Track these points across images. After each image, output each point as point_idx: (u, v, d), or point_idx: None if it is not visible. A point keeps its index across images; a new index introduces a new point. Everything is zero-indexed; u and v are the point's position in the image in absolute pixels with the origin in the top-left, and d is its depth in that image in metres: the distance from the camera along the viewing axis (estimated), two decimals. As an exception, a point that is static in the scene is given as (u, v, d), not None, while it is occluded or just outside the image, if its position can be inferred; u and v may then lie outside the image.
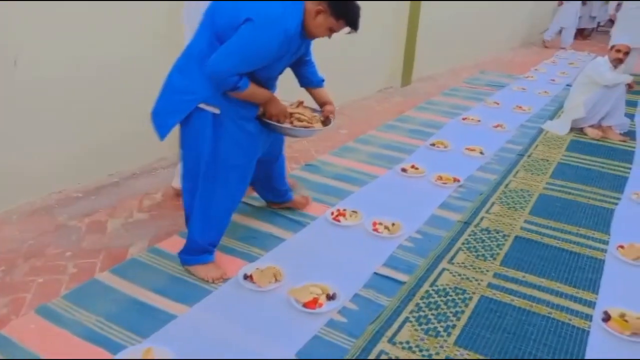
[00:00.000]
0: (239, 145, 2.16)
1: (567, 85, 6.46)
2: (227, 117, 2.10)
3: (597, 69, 4.33)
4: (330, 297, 2.12)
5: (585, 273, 2.45)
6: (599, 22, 11.81)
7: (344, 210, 2.85)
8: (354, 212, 2.84)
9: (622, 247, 2.64)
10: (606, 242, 2.72)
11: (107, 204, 2.90)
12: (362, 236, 2.65)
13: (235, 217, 2.77)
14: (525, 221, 2.92)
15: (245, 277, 2.23)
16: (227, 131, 2.11)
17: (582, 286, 2.34)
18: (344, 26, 2.03)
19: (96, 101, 3.01)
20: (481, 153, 3.90)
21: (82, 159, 3.03)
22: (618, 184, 3.50)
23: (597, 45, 10.26)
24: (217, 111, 2.08)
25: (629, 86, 4.38)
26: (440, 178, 3.40)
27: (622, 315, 2.09)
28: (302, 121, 2.35)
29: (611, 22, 11.50)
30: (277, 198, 2.84)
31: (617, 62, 4.33)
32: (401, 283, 2.29)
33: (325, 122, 2.45)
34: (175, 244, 2.49)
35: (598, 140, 4.37)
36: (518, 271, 2.43)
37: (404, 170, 3.51)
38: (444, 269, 2.42)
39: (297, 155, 3.73)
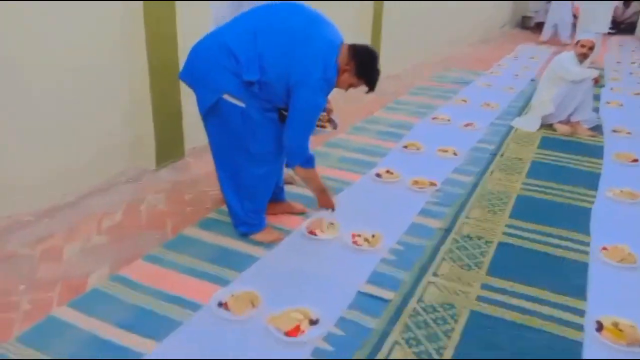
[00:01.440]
0: (269, 133, 2.35)
1: (531, 79, 6.51)
2: (253, 109, 2.26)
3: (563, 65, 4.33)
4: (313, 322, 1.97)
5: (572, 279, 2.38)
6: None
7: (321, 220, 2.71)
8: (331, 224, 2.69)
9: (605, 249, 2.59)
10: (588, 244, 2.67)
11: (63, 227, 2.66)
12: (341, 250, 2.51)
13: (204, 235, 2.60)
14: (506, 225, 2.85)
15: (220, 304, 2.05)
16: (255, 122, 2.29)
17: (571, 293, 2.27)
18: (363, 85, 2.32)
19: (46, 113, 2.76)
20: (454, 154, 3.83)
21: (32, 179, 2.77)
22: (592, 180, 3.48)
23: (555, 39, 10.42)
24: (242, 104, 2.24)
25: (595, 80, 4.39)
26: (417, 182, 3.29)
27: (615, 324, 2.02)
28: (319, 120, 2.53)
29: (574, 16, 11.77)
30: (272, 196, 2.71)
31: (582, 57, 4.34)
32: (387, 301, 2.16)
33: (330, 121, 2.66)
34: (139, 269, 2.29)
35: (568, 136, 4.37)
36: (505, 280, 2.34)
37: (378, 175, 3.39)
38: (429, 283, 2.30)
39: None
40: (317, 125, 2.52)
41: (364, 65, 2.27)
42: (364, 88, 2.37)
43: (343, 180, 3.30)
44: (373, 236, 2.60)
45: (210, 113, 2.32)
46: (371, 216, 2.86)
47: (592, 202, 3.15)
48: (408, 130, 4.40)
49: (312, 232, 2.61)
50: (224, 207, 2.83)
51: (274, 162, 2.49)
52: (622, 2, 11.09)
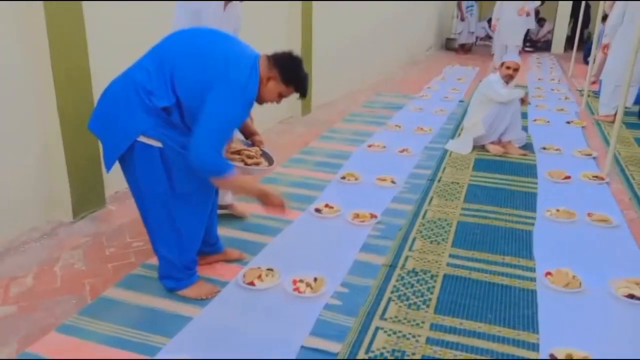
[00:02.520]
0: (189, 171, 2.11)
1: (460, 101, 6.66)
2: (170, 150, 2.09)
3: (491, 87, 4.41)
4: (254, 390, 1.78)
5: (521, 309, 2.33)
6: (477, 37, 12.57)
7: (259, 268, 2.53)
8: (270, 270, 2.52)
9: (549, 273, 2.56)
10: (533, 269, 2.64)
11: (-39, 299, 2.33)
12: (282, 300, 2.33)
13: (128, 296, 2.34)
14: (450, 255, 2.78)
15: (146, 379, 1.82)
16: (173, 161, 2.11)
17: (522, 326, 2.21)
18: (292, 92, 2.16)
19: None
20: (392, 182, 3.77)
21: None
22: (529, 201, 3.51)
23: (479, 59, 10.86)
24: (159, 144, 2.07)
25: (522, 100, 4.50)
26: (357, 216, 3.18)
27: (569, 356, 1.97)
28: (251, 158, 2.31)
29: (489, 37, 12.35)
30: (207, 248, 2.56)
31: (508, 78, 4.44)
32: (334, 355, 2.00)
33: (264, 155, 2.44)
34: (52, 343, 2.01)
35: (500, 156, 4.43)
36: (454, 318, 2.25)
37: (317, 210, 3.26)
38: (377, 328, 2.17)
39: (197, 207, 3.33)
40: (250, 164, 2.30)
41: (289, 71, 2.11)
42: (294, 96, 2.20)
43: (281, 220, 3.13)
44: (315, 280, 2.45)
45: (125, 161, 2.13)
46: (313, 257, 2.71)
47: (532, 224, 3.15)
48: (345, 159, 4.32)
49: (250, 283, 2.41)
50: (151, 261, 2.62)
51: (201, 204, 2.28)
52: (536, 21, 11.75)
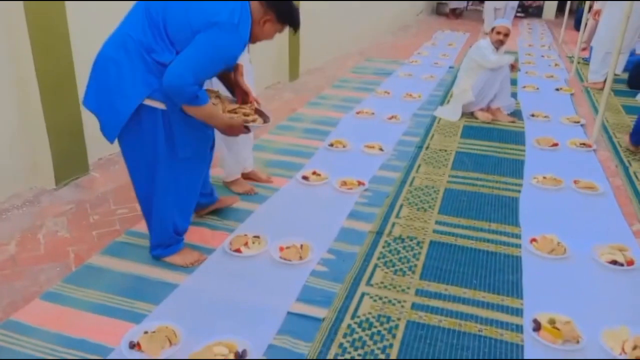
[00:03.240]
0: (192, 136, 2.16)
1: (450, 67, 6.59)
2: (174, 112, 2.07)
3: (481, 53, 4.36)
4: (240, 355, 1.79)
5: (506, 275, 2.35)
6: (468, 1, 12.39)
7: (245, 235, 2.52)
8: (256, 237, 2.51)
9: (535, 240, 2.58)
10: (519, 236, 2.66)
11: (-58, 267, 2.30)
12: (268, 267, 2.33)
13: (113, 263, 2.33)
14: (437, 222, 2.79)
15: (132, 345, 1.82)
16: (177, 125, 2.10)
17: (506, 291, 2.23)
18: (286, 28, 2.19)
19: None
20: (380, 149, 3.75)
21: None
22: (516, 168, 3.51)
23: (470, 24, 10.74)
24: (163, 106, 2.05)
25: (512, 66, 4.46)
26: (345, 183, 3.17)
27: (552, 322, 1.99)
28: (247, 115, 2.27)
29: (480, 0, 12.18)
30: (203, 199, 2.60)
31: (498, 44, 4.38)
32: (320, 320, 2.01)
33: (260, 113, 2.37)
34: (37, 311, 2.00)
35: (489, 123, 4.42)
36: (440, 283, 2.27)
37: (305, 178, 3.24)
38: (363, 294, 2.18)
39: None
40: (247, 121, 2.24)
41: (284, 12, 2.15)
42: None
43: (269, 187, 3.12)
44: (302, 247, 2.45)
45: (127, 129, 2.06)
46: (299, 224, 2.70)
47: (519, 191, 3.16)
48: (333, 126, 4.28)
49: (236, 250, 2.41)
50: (136, 228, 2.60)
51: (199, 166, 2.31)
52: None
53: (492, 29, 4.43)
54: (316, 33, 6.12)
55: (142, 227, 2.60)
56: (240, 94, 2.37)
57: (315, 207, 2.92)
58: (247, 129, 2.25)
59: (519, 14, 11.75)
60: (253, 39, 2.16)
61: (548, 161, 3.62)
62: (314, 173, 3.29)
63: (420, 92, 5.28)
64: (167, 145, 2.11)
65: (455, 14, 11.59)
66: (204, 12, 1.96)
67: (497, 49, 4.37)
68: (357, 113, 4.62)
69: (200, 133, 2.20)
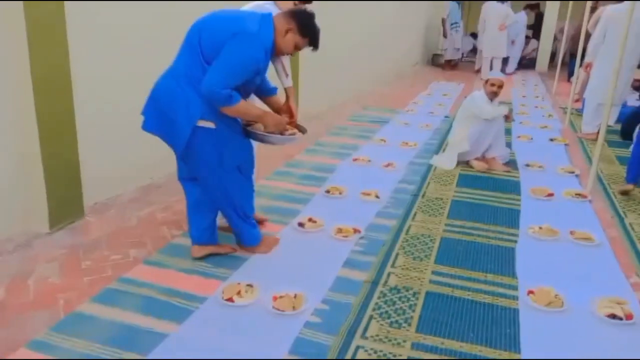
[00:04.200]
0: (239, 148, 2.53)
1: (445, 116, 6.68)
2: (224, 128, 2.41)
3: (476, 103, 4.42)
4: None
5: (503, 328, 2.30)
6: (462, 53, 12.70)
7: (238, 284, 2.47)
8: (249, 286, 2.46)
9: (532, 292, 2.54)
10: (516, 288, 2.62)
11: None
12: (261, 318, 2.27)
13: (102, 311, 2.27)
14: (433, 272, 2.75)
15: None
16: (227, 139, 2.44)
17: (503, 345, 2.17)
18: (307, 44, 2.47)
19: None
20: (377, 197, 3.74)
21: None
22: (512, 218, 3.50)
23: (464, 75, 10.96)
24: (213, 125, 2.38)
25: (507, 117, 4.52)
26: (340, 230, 3.15)
27: (551, 378, 1.93)
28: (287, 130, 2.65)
29: (473, 52, 12.50)
30: (203, 236, 2.77)
31: (492, 95, 4.44)
32: (312, 375, 1.95)
33: (299, 127, 2.75)
34: (23, 362, 1.94)
35: (484, 172, 4.43)
36: (436, 337, 2.21)
37: (301, 224, 3.22)
38: (358, 347, 2.12)
39: (177, 219, 3.27)
40: (284, 133, 2.61)
41: (306, 24, 2.41)
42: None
43: (265, 232, 3.08)
44: (295, 296, 2.40)
45: (187, 148, 2.41)
46: (294, 273, 2.66)
47: (515, 241, 3.14)
48: (330, 172, 4.29)
49: (229, 299, 2.36)
50: (128, 275, 2.55)
51: (247, 177, 2.68)
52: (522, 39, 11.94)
53: (486, 81, 4.51)
54: (314, 82, 6.23)
55: (134, 273, 2.57)
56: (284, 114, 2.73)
57: (310, 255, 2.88)
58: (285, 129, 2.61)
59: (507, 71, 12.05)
60: (277, 50, 2.44)
61: (544, 211, 3.61)
62: (309, 220, 3.27)
63: (416, 141, 5.33)
64: (218, 159, 2.45)
65: (451, 65, 11.84)
66: (229, 27, 2.30)
67: (491, 100, 4.44)
68: (354, 160, 4.64)
69: (246, 143, 2.58)
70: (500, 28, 9.97)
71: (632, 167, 3.98)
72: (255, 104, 2.69)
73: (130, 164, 3.62)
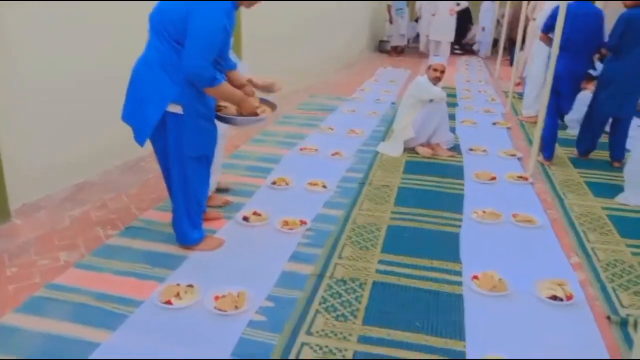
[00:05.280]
0: (202, 138, 2.50)
1: (392, 103, 6.68)
2: (191, 115, 2.41)
3: (423, 87, 4.41)
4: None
5: (448, 315, 2.28)
6: (408, 39, 12.77)
7: (177, 285, 2.34)
8: (189, 286, 2.34)
9: (476, 277, 2.54)
10: (460, 273, 2.61)
11: None
12: (202, 319, 2.16)
13: (28, 322, 2.10)
14: (380, 261, 2.71)
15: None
16: (191, 127, 2.44)
17: (448, 333, 2.16)
18: None
19: None
20: (324, 187, 3.67)
21: None
22: (456, 203, 3.51)
23: (410, 61, 11.03)
24: (180, 111, 2.39)
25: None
26: (287, 223, 3.06)
27: (495, 365, 1.92)
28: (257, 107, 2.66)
29: (418, 38, 12.60)
30: None
31: (435, 80, 4.44)
32: (255, 377, 1.86)
33: (266, 102, 2.79)
34: None
35: (429, 158, 4.44)
36: (382, 328, 2.17)
37: (245, 218, 3.11)
38: (303, 344, 2.05)
39: (113, 218, 3.09)
40: (252, 114, 2.62)
41: None
42: None
43: (208, 229, 2.95)
44: (238, 295, 2.30)
45: (156, 134, 2.45)
46: (237, 270, 2.56)
47: (459, 226, 3.14)
48: (276, 163, 4.19)
49: (167, 302, 2.23)
50: (57, 280, 2.38)
51: (205, 170, 2.65)
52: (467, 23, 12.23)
53: (429, 67, 4.50)
54: (261, 72, 6.08)
55: (64, 279, 2.41)
56: (240, 87, 2.69)
57: (255, 250, 2.78)
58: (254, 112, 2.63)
59: (456, 51, 12.23)
60: (248, 2, 2.51)
61: (487, 195, 3.65)
62: (254, 213, 3.17)
63: (363, 128, 5.29)
64: (177, 146, 2.45)
65: (397, 51, 11.89)
66: (187, 3, 2.27)
67: (434, 84, 4.44)
68: (301, 150, 4.55)
69: (208, 136, 2.54)
70: (450, 12, 10.37)
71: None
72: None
73: (62, 160, 3.40)
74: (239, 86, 2.69)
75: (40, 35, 3.13)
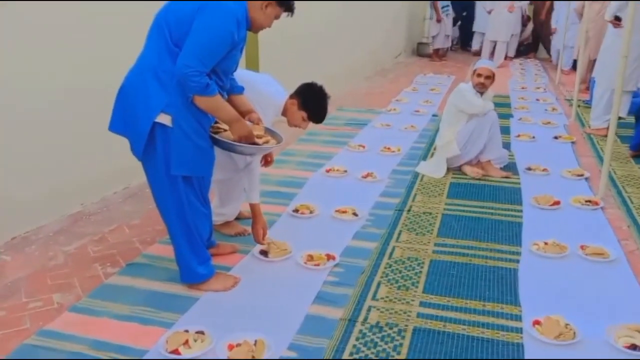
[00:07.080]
0: (192, 155, 2.54)
1: (434, 115, 6.69)
2: (181, 127, 2.47)
3: (464, 97, 4.40)
4: None
5: (506, 368, 2.25)
6: (453, 41, 12.82)
7: (186, 332, 2.37)
8: (200, 333, 2.37)
9: (538, 322, 2.50)
10: (519, 318, 2.58)
11: None
12: (213, 372, 2.18)
13: None
14: (421, 303, 2.70)
15: None
16: (179, 142, 2.49)
17: (507, 390, 2.12)
18: (283, 13, 2.61)
19: None
20: (354, 214, 3.69)
21: None
22: (513, 233, 3.48)
23: (455, 66, 11.06)
24: (169, 123, 2.45)
25: None
26: (311, 258, 3.08)
27: None
28: (259, 137, 2.68)
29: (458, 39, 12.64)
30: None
31: (480, 87, 4.39)
32: None
33: (271, 132, 2.81)
34: None
35: (479, 179, 4.42)
36: (426, 384, 2.15)
37: (263, 252, 3.14)
38: (331, 403, 2.04)
39: (113, 253, 3.16)
40: (255, 143, 2.65)
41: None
42: None
43: (220, 266, 2.98)
44: (256, 343, 2.31)
45: (146, 149, 2.49)
46: (255, 313, 2.59)
47: (517, 261, 3.11)
48: (299, 188, 4.23)
49: (174, 351, 2.25)
50: (50, 326, 2.44)
51: (191, 196, 2.65)
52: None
53: (474, 71, 4.49)
54: (280, 78, 6.18)
55: (57, 324, 2.47)
56: (245, 114, 2.77)
57: (275, 290, 2.81)
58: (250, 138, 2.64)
59: (520, 53, 12.25)
60: (255, 24, 2.56)
61: (549, 223, 3.61)
62: (273, 244, 3.19)
63: (399, 145, 5.32)
64: (164, 163, 2.50)
65: (439, 54, 11.93)
66: (194, 4, 2.39)
67: (480, 93, 4.42)
68: (327, 171, 4.60)
69: (201, 157, 2.58)
70: (509, 9, 10.66)
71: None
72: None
73: (55, 188, 3.50)
74: (244, 112, 2.73)
75: (32, 60, 3.26)
